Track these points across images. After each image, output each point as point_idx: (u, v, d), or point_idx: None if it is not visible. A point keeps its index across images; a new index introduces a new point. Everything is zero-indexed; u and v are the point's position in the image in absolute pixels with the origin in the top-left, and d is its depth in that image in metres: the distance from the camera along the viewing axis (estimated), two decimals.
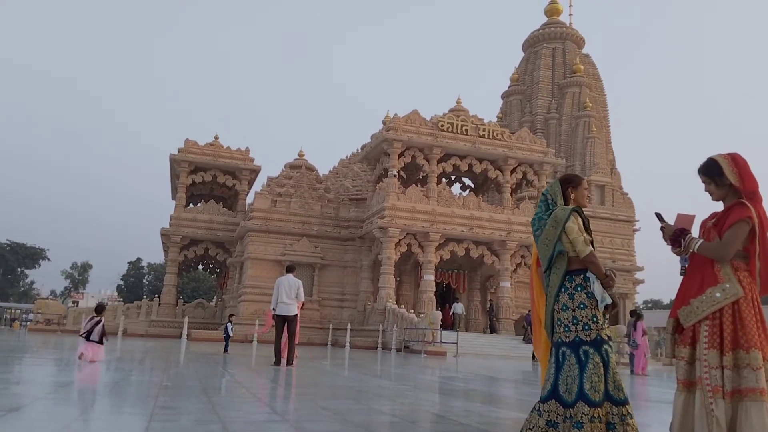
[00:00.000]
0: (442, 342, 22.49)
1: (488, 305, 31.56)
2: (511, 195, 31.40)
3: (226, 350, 15.77)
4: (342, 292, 31.45)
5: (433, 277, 28.61)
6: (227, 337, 16.66)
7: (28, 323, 40.91)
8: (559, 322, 3.64)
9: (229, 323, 17.41)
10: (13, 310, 63.02)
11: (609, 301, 3.58)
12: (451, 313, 28.11)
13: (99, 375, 7.36)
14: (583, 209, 3.85)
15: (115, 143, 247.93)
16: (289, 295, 10.49)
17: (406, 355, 21.03)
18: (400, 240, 28.45)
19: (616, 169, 40.95)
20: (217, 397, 5.37)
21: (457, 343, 21.63)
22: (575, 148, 39.60)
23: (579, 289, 3.60)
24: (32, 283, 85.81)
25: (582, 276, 3.62)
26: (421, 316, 24.85)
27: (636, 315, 16.97)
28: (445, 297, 31.68)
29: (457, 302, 28.66)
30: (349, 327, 25.38)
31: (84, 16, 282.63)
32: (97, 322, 9.56)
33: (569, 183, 3.89)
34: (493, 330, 29.13)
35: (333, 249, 31.69)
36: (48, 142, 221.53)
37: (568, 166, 38.29)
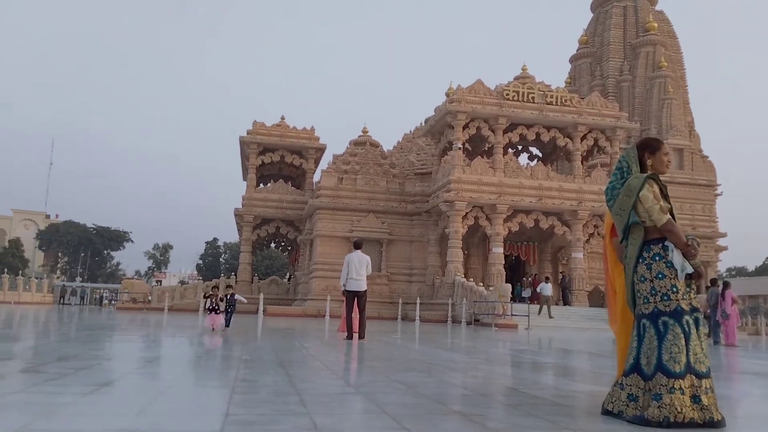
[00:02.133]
0: (513, 315, 22.29)
1: (560, 277, 30.93)
2: (582, 163, 30.45)
3: (227, 325, 12.84)
4: (410, 267, 31.62)
5: (501, 250, 28.28)
6: (228, 312, 13.14)
7: (116, 302, 43.50)
8: (638, 294, 3.54)
9: (229, 296, 13.45)
10: (101, 290, 67.19)
11: (690, 270, 3.43)
12: (538, 290, 26.16)
13: (184, 350, 7.75)
14: (661, 176, 3.68)
15: (191, 126, 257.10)
16: (359, 271, 10.61)
17: (476, 328, 20.99)
18: (466, 213, 28.21)
19: (695, 131, 38.88)
20: (293, 370, 5.55)
21: (528, 316, 21.38)
22: (650, 111, 37.80)
23: (657, 258, 3.47)
24: (118, 264, 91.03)
25: (660, 245, 3.48)
26: (491, 289, 24.67)
27: (724, 283, 16.24)
28: (514, 269, 31.29)
29: (547, 282, 26.10)
30: (418, 301, 25.54)
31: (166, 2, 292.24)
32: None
33: (646, 148, 3.71)
34: (566, 302, 28.56)
35: (400, 224, 31.83)
36: (130, 130, 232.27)
37: (642, 130, 36.66)
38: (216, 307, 12.01)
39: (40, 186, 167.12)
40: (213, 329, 11.71)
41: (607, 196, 3.71)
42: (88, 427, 2.74)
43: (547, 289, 25.42)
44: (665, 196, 3.56)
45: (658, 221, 3.44)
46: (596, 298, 30.21)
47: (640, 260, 3.54)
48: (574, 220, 28.71)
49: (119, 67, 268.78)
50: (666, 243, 3.47)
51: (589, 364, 7.81)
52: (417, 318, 24.03)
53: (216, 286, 13.04)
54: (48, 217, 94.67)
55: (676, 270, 3.42)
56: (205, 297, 12.66)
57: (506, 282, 26.37)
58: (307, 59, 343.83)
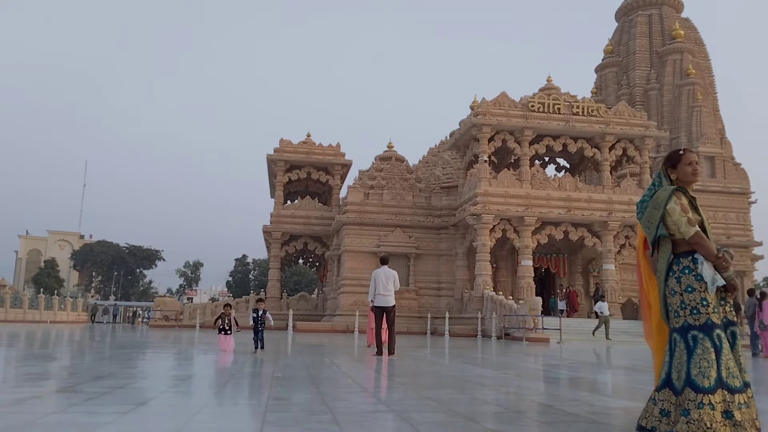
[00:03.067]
0: (544, 328, 21.99)
1: (594, 289, 30.44)
2: (611, 173, 30.06)
3: (257, 347, 11.16)
4: (438, 281, 31.49)
5: (531, 263, 27.99)
6: (258, 331, 11.33)
7: (149, 320, 44.19)
8: (669, 308, 3.48)
9: (257, 311, 11.52)
10: (134, 308, 68.31)
11: (721, 282, 3.36)
12: (596, 309, 23.65)
13: (216, 367, 7.83)
14: (690, 186, 3.62)
15: (220, 146, 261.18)
16: (386, 286, 10.62)
17: (507, 342, 20.76)
18: (494, 226, 28.04)
19: (726, 139, 38.10)
20: (324, 387, 5.56)
21: (560, 330, 21.06)
22: (680, 119, 37.22)
23: (686, 271, 3.41)
24: (150, 282, 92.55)
25: (690, 258, 3.43)
26: (521, 302, 24.40)
27: (761, 294, 15.80)
28: (543, 282, 30.92)
29: (602, 301, 23.45)
30: (447, 315, 25.39)
31: (181, 17, 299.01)
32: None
33: (667, 162, 3.69)
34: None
35: (427, 238, 31.77)
36: (161, 150, 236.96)
37: (672, 138, 36.11)
38: (227, 328, 10.90)
39: (74, 207, 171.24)
40: (224, 351, 10.56)
41: (638, 209, 3.68)
42: None
43: (603, 307, 22.89)
44: (695, 207, 3.50)
45: (686, 234, 3.39)
46: (629, 311, 29.65)
47: (670, 273, 3.49)
48: (604, 231, 28.31)
49: (147, 87, 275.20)
50: (695, 256, 3.41)
51: (624, 379, 7.67)
52: (446, 332, 23.87)
53: (229, 304, 11.60)
54: (82, 237, 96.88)
55: (707, 283, 3.36)
56: (217, 319, 11.47)
57: (536, 295, 26.07)
58: (332, 75, 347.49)
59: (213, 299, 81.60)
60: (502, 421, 3.91)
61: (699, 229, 3.39)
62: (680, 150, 3.67)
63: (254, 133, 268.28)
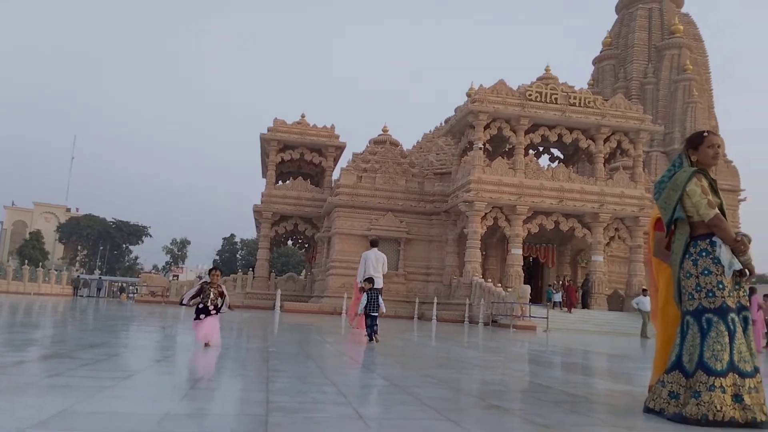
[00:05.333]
0: (531, 316, 22.12)
1: (580, 280, 30.64)
2: (604, 165, 30.12)
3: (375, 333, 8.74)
4: (427, 266, 31.53)
5: (520, 251, 28.09)
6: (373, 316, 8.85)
7: (135, 295, 43.93)
8: (683, 291, 3.46)
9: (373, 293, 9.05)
10: (120, 283, 67.94)
11: (738, 266, 3.35)
12: (634, 304, 22.13)
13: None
14: (710, 169, 3.59)
15: (209, 124, 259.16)
16: (376, 268, 10.72)
17: (494, 329, 20.86)
18: (486, 213, 28.06)
19: (720, 136, 38.34)
20: (322, 363, 5.53)
21: (547, 318, 21.20)
22: (674, 114, 37.35)
23: (704, 254, 3.39)
24: (136, 258, 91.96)
25: (708, 241, 3.40)
26: (509, 290, 24.51)
27: (750, 289, 15.98)
28: (531, 271, 31.05)
29: (645, 295, 20.96)
30: (435, 301, 25.45)
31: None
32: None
33: (689, 144, 3.65)
34: (584, 305, 28.28)
35: (418, 223, 31.75)
36: (151, 127, 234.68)
37: (666, 134, 36.25)
38: (212, 307, 6.50)
39: (62, 179, 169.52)
40: (207, 345, 6.33)
41: (655, 190, 3.65)
42: (133, 409, 2.73)
43: (645, 303, 20.66)
44: (715, 190, 3.47)
45: (706, 216, 3.36)
46: (615, 302, 29.90)
47: (687, 256, 3.46)
48: (594, 223, 28.43)
49: (140, 62, 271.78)
50: (713, 239, 3.38)
51: (616, 366, 7.71)
52: (434, 317, 23.94)
53: (216, 269, 6.92)
54: (68, 210, 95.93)
55: (723, 266, 3.34)
56: (196, 293, 6.62)
57: (524, 283, 26.18)
58: (329, 58, 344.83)
59: (200, 277, 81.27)
60: (506, 399, 3.90)
61: (719, 212, 3.37)
62: (704, 132, 3.63)
63: (248, 112, 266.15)
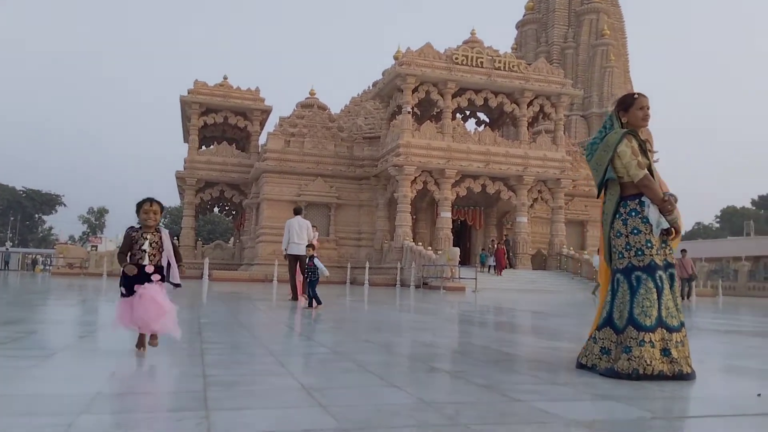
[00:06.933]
0: (460, 278, 22.68)
1: (504, 240, 31.61)
2: (528, 129, 30.89)
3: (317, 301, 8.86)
4: (359, 231, 31.60)
5: (449, 215, 28.59)
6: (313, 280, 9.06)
7: (51, 267, 41.70)
8: (614, 249, 3.56)
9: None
10: (33, 255, 64.27)
11: (666, 225, 3.46)
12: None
13: None
14: (640, 130, 3.68)
15: (124, 86, 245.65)
16: (300, 235, 10.91)
17: (425, 291, 21.27)
18: (415, 178, 28.29)
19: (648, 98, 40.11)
20: (258, 332, 5.41)
21: (476, 279, 21.81)
22: (593, 79, 38.64)
23: (633, 214, 3.49)
24: (50, 228, 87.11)
25: (637, 201, 3.50)
26: (439, 252, 24.98)
27: (681, 251, 17.03)
28: (460, 234, 31.73)
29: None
30: (367, 265, 25.61)
31: None
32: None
33: (619, 106, 3.72)
34: (510, 265, 29.28)
35: (348, 188, 31.64)
36: (60, 89, 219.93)
37: (585, 98, 37.48)
38: (150, 268, 3.67)
39: None
40: (141, 349, 3.77)
41: (587, 151, 3.70)
42: (58, 390, 2.55)
43: (596, 262, 19.79)
44: (644, 152, 3.56)
45: (635, 177, 3.45)
46: (539, 262, 31.13)
47: (617, 216, 3.56)
48: (519, 186, 29.26)
49: (63, 12, 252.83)
50: (642, 198, 3.48)
51: (545, 323, 8.01)
52: (366, 282, 24.13)
53: (152, 199, 3.78)
54: None
55: (652, 225, 3.45)
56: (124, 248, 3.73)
57: (453, 246, 26.75)
58: (251, 15, 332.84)
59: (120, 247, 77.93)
60: (447, 361, 3.94)
61: (648, 172, 3.46)
62: (634, 94, 3.70)
63: (169, 73, 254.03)
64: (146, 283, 3.62)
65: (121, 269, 3.66)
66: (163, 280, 3.72)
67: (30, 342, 4.19)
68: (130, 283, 3.63)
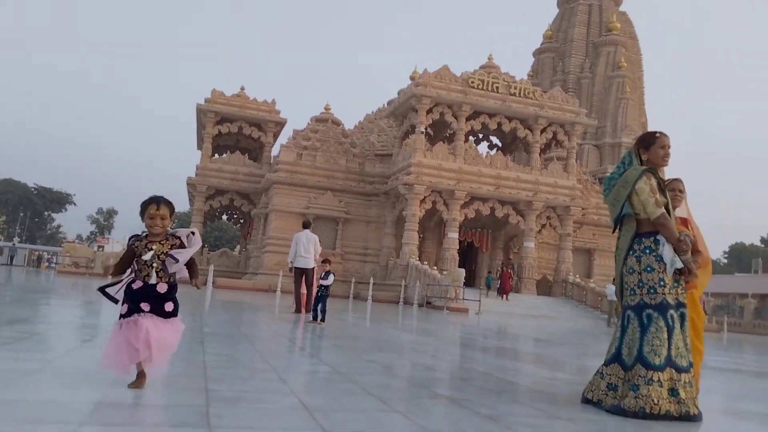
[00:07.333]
0: (464, 299, 22.58)
1: (510, 265, 31.48)
2: (540, 155, 30.92)
3: (321, 316, 8.87)
4: (365, 247, 31.58)
5: (456, 235, 28.56)
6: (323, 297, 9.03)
7: (56, 265, 41.87)
8: (626, 286, 3.54)
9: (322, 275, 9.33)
10: (40, 252, 64.55)
11: (680, 265, 3.44)
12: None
13: None
14: (660, 169, 3.67)
15: (139, 93, 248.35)
16: (307, 249, 10.99)
17: (428, 310, 21.17)
18: (425, 197, 28.31)
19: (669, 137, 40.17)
20: (261, 346, 5.39)
21: (479, 301, 21.70)
22: (607, 109, 38.69)
23: (647, 251, 3.47)
24: (59, 227, 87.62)
25: (652, 238, 3.48)
26: (444, 273, 24.90)
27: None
28: (466, 255, 31.66)
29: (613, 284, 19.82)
30: (371, 281, 25.55)
31: None
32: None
33: (640, 143, 3.71)
34: (514, 289, 29.12)
35: (357, 204, 31.69)
36: (76, 95, 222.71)
37: (599, 128, 37.51)
38: (157, 285, 2.89)
39: None
40: (139, 375, 2.89)
41: (605, 186, 3.70)
42: (60, 397, 2.54)
43: (611, 292, 19.57)
44: (662, 190, 3.55)
45: (652, 214, 3.44)
46: (544, 288, 30.95)
47: (631, 252, 3.54)
48: (528, 211, 29.21)
49: (73, 21, 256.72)
50: (658, 237, 3.47)
51: (550, 352, 7.93)
52: (369, 298, 24.05)
53: (159, 201, 2.97)
54: None
55: (665, 264, 3.43)
56: (128, 256, 2.95)
57: (459, 267, 26.66)
58: (272, 32, 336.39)
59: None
60: (449, 387, 3.90)
61: (665, 211, 3.44)
62: (656, 133, 3.70)
63: (185, 81, 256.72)
64: (156, 318, 2.85)
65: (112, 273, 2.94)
66: (176, 310, 2.96)
67: (33, 343, 4.19)
68: (135, 299, 2.83)
